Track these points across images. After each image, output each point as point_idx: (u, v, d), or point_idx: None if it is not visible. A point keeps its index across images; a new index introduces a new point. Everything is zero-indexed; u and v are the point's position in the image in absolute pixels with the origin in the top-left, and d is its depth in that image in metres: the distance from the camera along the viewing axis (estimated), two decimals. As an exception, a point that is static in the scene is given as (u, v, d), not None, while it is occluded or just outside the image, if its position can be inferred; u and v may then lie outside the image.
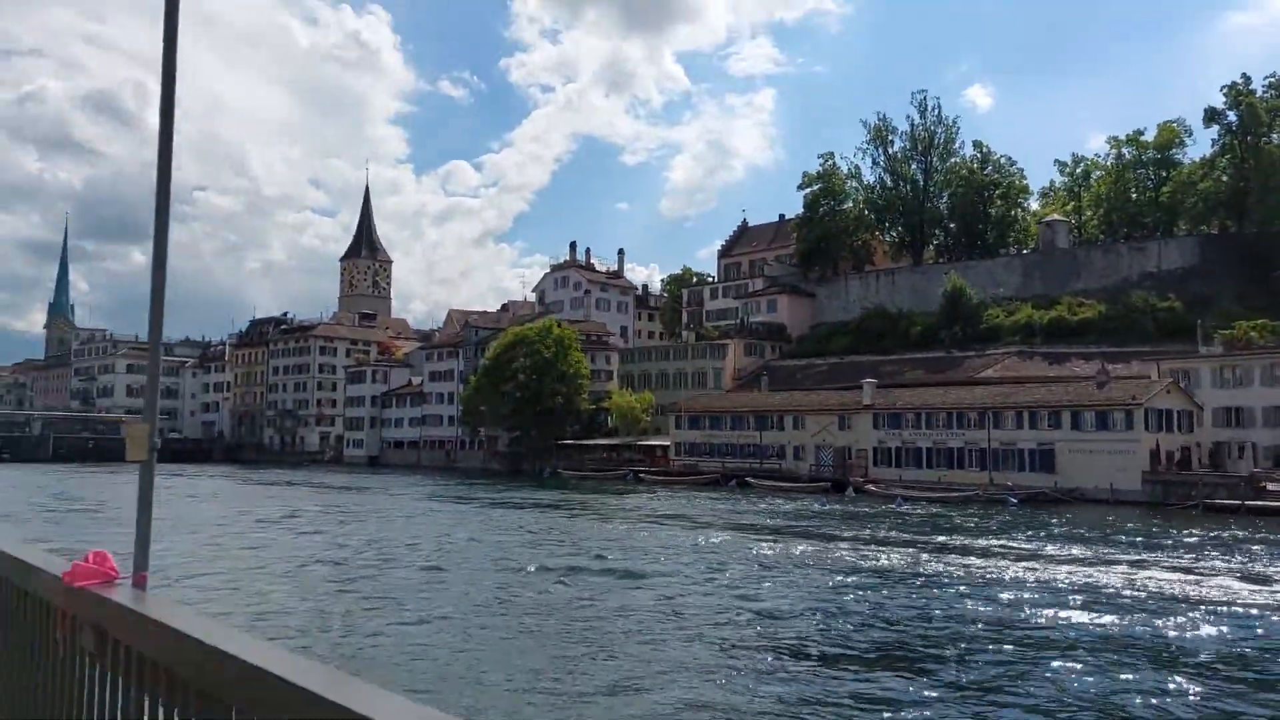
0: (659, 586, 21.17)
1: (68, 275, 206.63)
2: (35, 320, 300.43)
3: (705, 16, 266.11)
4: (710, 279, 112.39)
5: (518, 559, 25.68)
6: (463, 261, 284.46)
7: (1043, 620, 17.93)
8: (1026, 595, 20.68)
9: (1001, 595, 20.69)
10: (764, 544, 29.92)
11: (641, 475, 73.65)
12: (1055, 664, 14.38)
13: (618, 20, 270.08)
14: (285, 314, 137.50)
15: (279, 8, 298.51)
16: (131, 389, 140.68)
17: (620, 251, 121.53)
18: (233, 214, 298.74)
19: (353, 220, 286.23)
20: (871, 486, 58.30)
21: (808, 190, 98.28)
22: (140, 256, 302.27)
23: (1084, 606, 19.33)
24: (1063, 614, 18.47)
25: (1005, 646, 15.50)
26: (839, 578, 22.98)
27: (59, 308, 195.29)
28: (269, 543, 30.77)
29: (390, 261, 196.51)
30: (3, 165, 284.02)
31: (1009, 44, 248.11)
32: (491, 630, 16.41)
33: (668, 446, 78.96)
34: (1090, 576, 23.71)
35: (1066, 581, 22.81)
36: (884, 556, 27.19)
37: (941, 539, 32.88)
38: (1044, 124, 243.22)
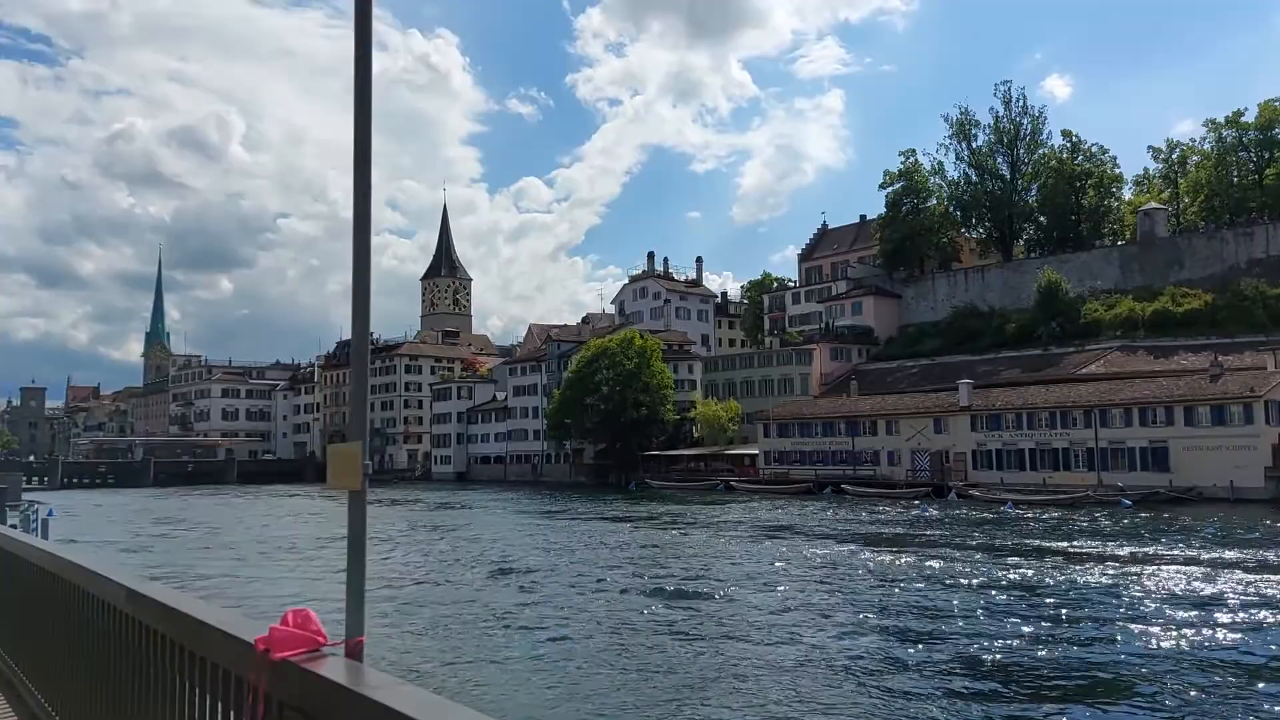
0: (779, 604, 20.32)
1: (163, 304, 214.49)
2: (131, 349, 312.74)
3: (770, 21, 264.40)
4: (791, 283, 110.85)
5: (627, 577, 25.07)
6: (537, 277, 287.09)
7: (1210, 637, 16.61)
8: (1187, 610, 19.29)
9: (1161, 609, 19.34)
10: (878, 555, 28.79)
11: (732, 485, 72.66)
12: (1246, 688, 13.17)
13: (683, 31, 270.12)
14: (371, 334, 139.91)
15: (350, 38, 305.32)
16: (226, 412, 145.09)
17: (699, 259, 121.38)
18: (313, 239, 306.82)
19: (430, 240, 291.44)
20: (974, 491, 56.35)
21: (889, 189, 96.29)
22: (228, 284, 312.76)
23: (1248, 617, 17.91)
24: (1231, 628, 17.11)
25: (1183, 671, 14.30)
26: (970, 593, 21.82)
27: (155, 335, 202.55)
28: (379, 562, 30.77)
29: (470, 279, 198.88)
30: (97, 201, 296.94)
31: (1084, 32, 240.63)
32: (611, 656, 15.80)
33: (755, 455, 77.86)
34: (1246, 583, 22.11)
35: (1219, 589, 21.30)
36: (1011, 569, 25.84)
37: (1063, 545, 31.32)
38: (1127, 112, 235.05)
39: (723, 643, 16.28)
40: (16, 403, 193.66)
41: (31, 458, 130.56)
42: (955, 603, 19.95)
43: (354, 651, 2.42)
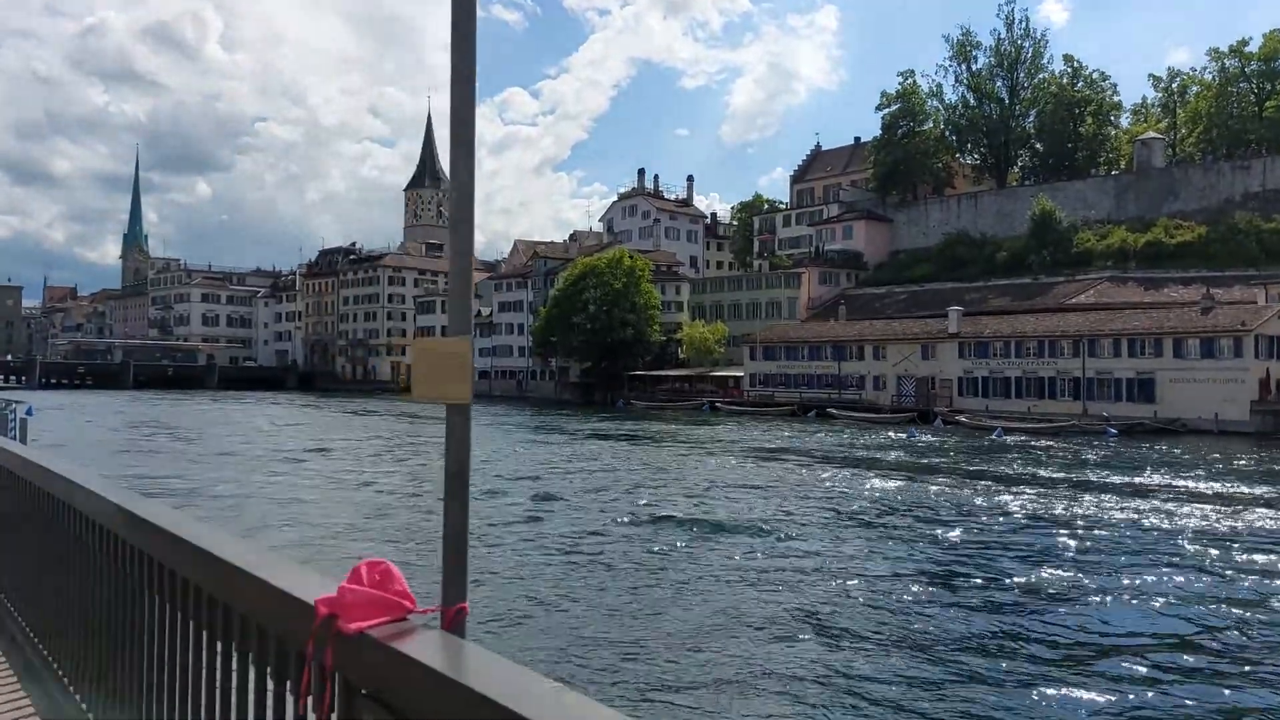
0: (785, 533, 20.17)
1: (140, 206, 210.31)
2: (108, 251, 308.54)
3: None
4: (782, 205, 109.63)
5: (623, 499, 24.87)
6: (521, 192, 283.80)
7: (1201, 568, 16.60)
8: (1177, 542, 19.29)
9: (1153, 540, 19.35)
10: (874, 480, 28.69)
11: (718, 406, 72.75)
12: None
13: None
14: (354, 244, 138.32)
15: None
16: (206, 317, 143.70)
17: (689, 178, 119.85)
18: (292, 145, 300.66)
19: (412, 150, 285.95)
20: (962, 418, 56.59)
21: (885, 111, 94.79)
22: (205, 188, 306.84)
23: (1242, 548, 17.92)
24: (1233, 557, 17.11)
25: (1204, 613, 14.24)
26: (970, 520, 21.80)
27: (133, 238, 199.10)
28: (356, 473, 30.53)
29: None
30: (70, 98, 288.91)
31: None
32: (603, 588, 15.56)
33: (741, 377, 77.86)
34: (1238, 517, 22.19)
35: (1211, 521, 21.35)
36: (1004, 494, 25.87)
37: (1054, 473, 31.41)
38: (1126, 40, 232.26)
39: (732, 582, 16.08)
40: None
41: (9, 357, 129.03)
42: (956, 533, 19.86)
43: (454, 624, 1.79)
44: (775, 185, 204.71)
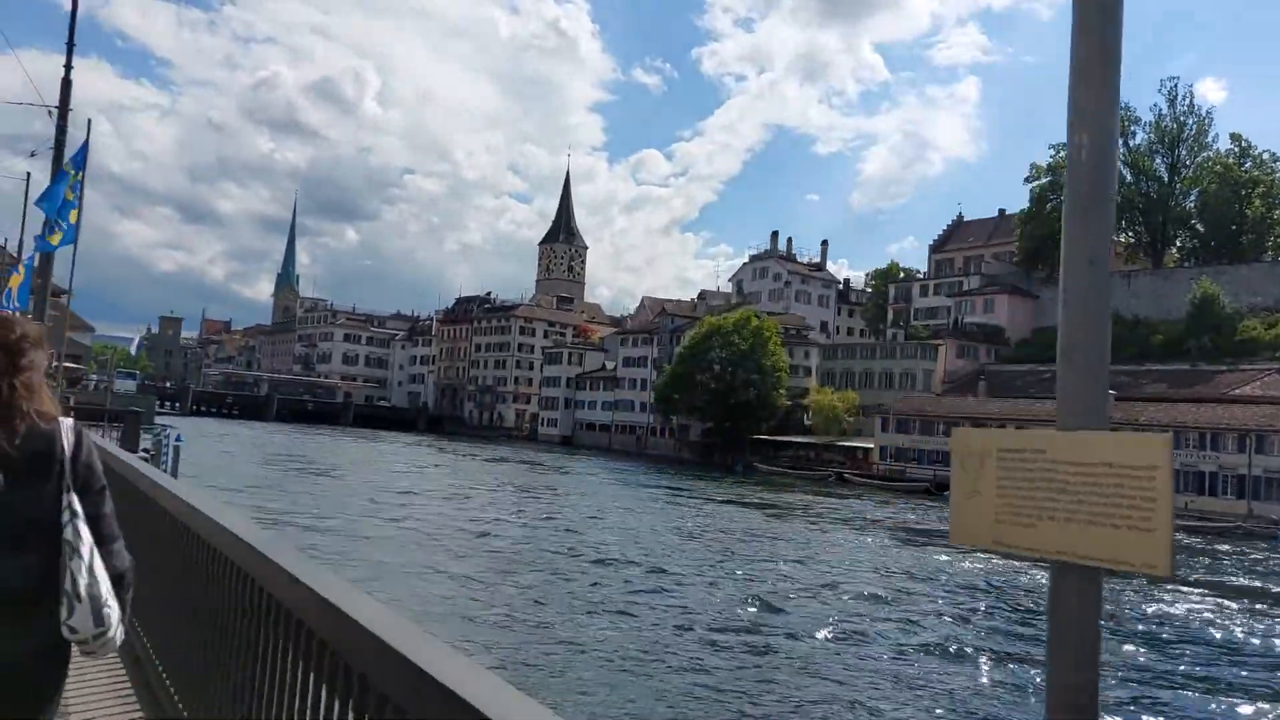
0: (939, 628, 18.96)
1: (295, 248, 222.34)
2: (262, 289, 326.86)
3: (908, 5, 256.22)
4: (919, 274, 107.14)
5: (758, 578, 23.95)
6: (649, 249, 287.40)
7: None
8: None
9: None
10: (1036, 576, 26.84)
11: (846, 478, 70.71)
12: None
13: (815, 9, 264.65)
14: (488, 293, 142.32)
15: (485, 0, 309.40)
16: (347, 356, 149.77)
17: (824, 242, 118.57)
18: (436, 197, 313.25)
19: (547, 206, 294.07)
20: (1112, 509, 53.16)
21: (1035, 184, 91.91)
22: (353, 234, 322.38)
23: None
24: None
25: None
26: (1146, 626, 20.08)
27: (286, 278, 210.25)
28: (482, 521, 30.57)
29: (586, 248, 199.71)
30: (239, 144, 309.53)
31: (1238, 33, 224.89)
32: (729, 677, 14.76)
33: (870, 449, 75.62)
34: None
35: None
36: (1178, 601, 23.82)
37: (1223, 579, 28.87)
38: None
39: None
40: (155, 330, 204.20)
41: (167, 383, 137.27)
42: (1140, 649, 18.27)
43: None
44: (905, 253, 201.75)
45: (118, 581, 2.50)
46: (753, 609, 18.72)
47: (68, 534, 2.42)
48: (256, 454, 54.71)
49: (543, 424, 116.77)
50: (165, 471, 29.10)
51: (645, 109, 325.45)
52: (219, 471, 38.12)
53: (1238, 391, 62.59)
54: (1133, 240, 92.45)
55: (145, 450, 29.68)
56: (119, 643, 2.48)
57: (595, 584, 20.37)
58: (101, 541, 2.50)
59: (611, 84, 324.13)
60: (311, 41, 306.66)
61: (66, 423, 2.52)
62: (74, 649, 2.41)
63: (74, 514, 2.44)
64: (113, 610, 2.41)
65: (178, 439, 43.00)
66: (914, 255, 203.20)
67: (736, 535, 31.60)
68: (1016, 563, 27.31)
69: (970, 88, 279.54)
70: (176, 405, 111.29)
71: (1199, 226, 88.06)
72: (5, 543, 2.36)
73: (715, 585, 21.22)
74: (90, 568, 2.41)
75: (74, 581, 2.37)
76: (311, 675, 2.24)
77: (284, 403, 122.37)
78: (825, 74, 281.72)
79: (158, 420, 71.29)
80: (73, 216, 14.03)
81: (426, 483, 44.16)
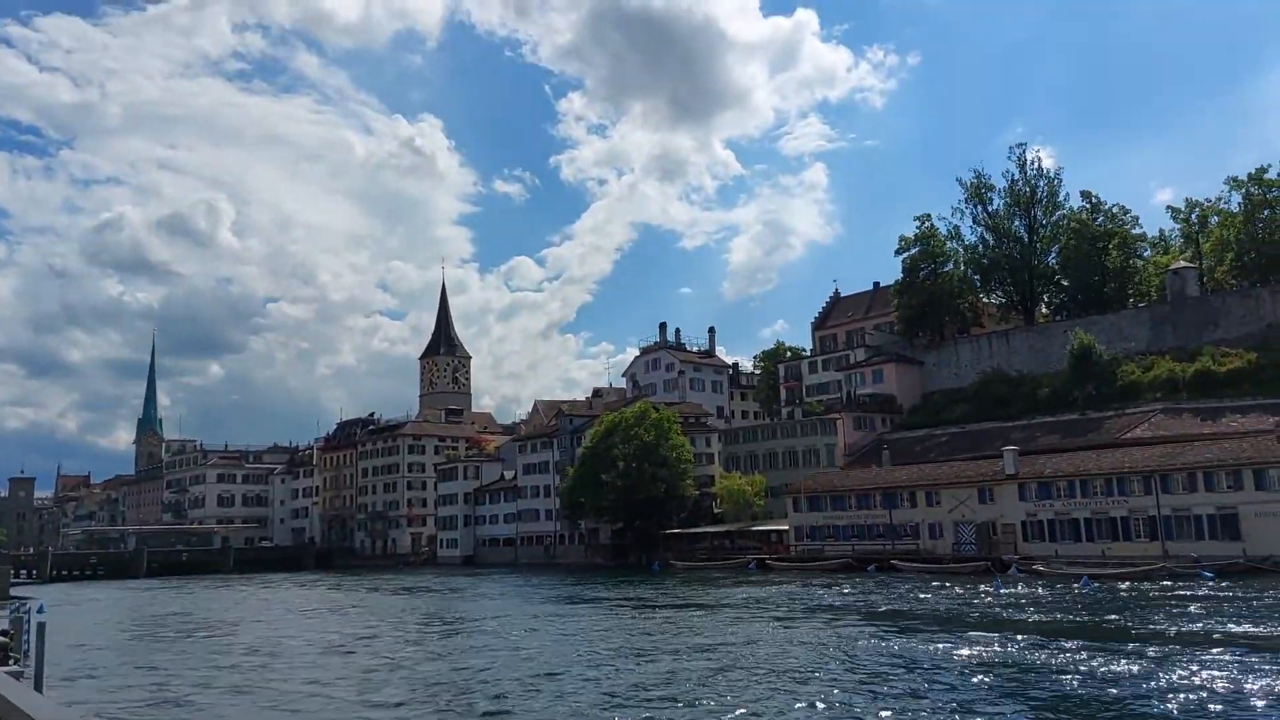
0: None
1: (155, 391, 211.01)
2: (121, 438, 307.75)
3: (751, 103, 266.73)
4: (805, 352, 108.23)
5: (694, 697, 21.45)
6: (529, 355, 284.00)
7: None
8: None
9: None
10: (1005, 647, 25.13)
11: (767, 564, 68.74)
12: None
13: (665, 113, 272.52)
14: (372, 414, 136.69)
15: (337, 123, 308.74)
16: (222, 498, 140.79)
17: (711, 330, 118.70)
18: (303, 322, 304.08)
19: (420, 321, 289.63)
20: (1039, 566, 52.70)
21: (905, 254, 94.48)
22: (217, 369, 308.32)
23: None
24: None
25: None
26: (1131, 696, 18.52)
27: (148, 422, 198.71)
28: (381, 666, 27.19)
29: (469, 357, 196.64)
30: (85, 290, 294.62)
31: (1060, 105, 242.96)
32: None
33: (784, 531, 74.19)
34: None
35: None
36: (1148, 658, 22.48)
37: (1175, 626, 27.93)
38: (1112, 182, 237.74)
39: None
40: (4, 494, 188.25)
41: (29, 549, 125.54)
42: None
43: None
44: (777, 337, 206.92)
45: None
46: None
47: None
48: (127, 620, 48.95)
49: (442, 545, 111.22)
50: (26, 651, 24.83)
51: (512, 217, 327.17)
52: (86, 651, 33.25)
53: (1129, 435, 64.14)
54: (1004, 300, 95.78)
55: (3, 633, 25.36)
56: None
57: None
58: None
59: (474, 196, 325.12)
60: (158, 177, 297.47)
61: None
62: None
63: None
64: None
65: (40, 610, 37.82)
66: (792, 335, 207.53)
67: (676, 649, 28.99)
68: (956, 639, 25.61)
69: (819, 173, 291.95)
70: (34, 573, 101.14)
71: (1064, 281, 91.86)
72: None
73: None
74: None
75: None
76: None
77: (155, 556, 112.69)
78: (683, 172, 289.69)
79: (13, 592, 63.95)
80: None
81: (316, 630, 39.96)
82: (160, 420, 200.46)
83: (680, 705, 19.08)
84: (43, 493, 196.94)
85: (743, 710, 18.19)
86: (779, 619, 35.52)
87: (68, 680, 24.96)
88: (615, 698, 20.17)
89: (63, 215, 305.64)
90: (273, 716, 19.92)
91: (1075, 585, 43.61)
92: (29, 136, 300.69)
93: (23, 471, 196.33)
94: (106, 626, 44.18)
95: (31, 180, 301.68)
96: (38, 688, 20.16)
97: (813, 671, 22.51)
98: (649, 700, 19.74)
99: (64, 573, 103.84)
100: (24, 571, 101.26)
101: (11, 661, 21.83)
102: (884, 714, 17.29)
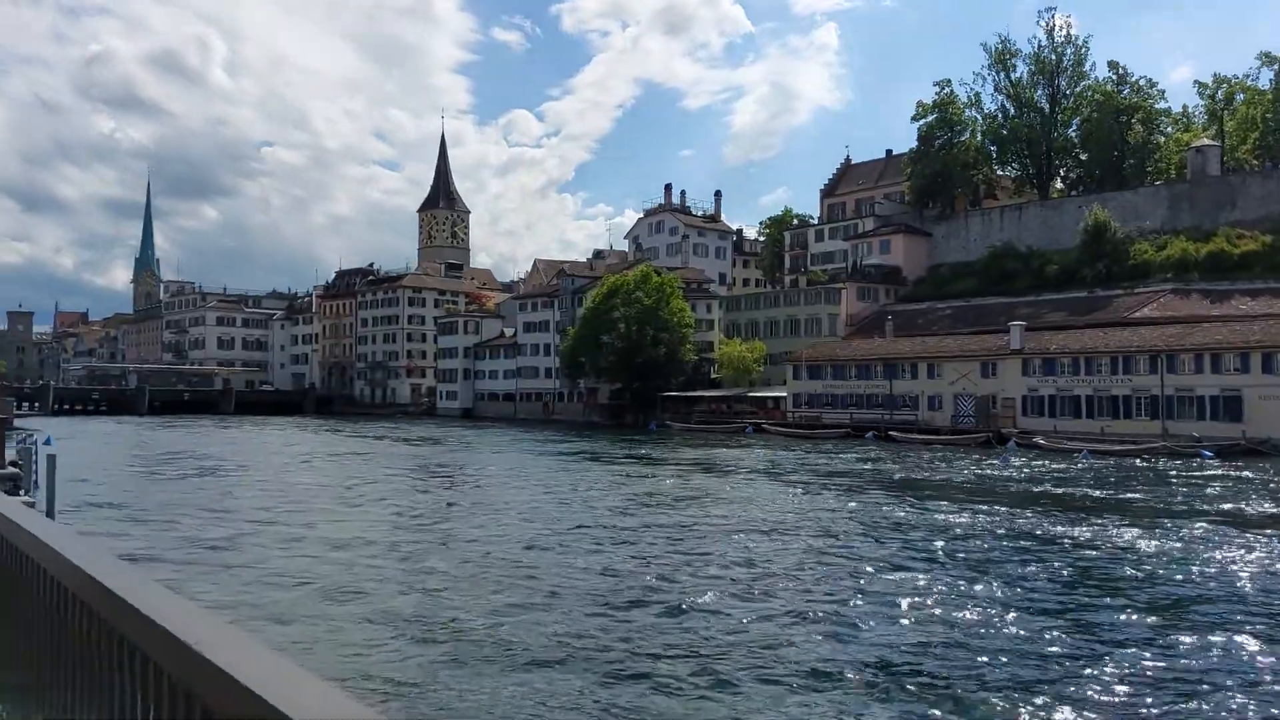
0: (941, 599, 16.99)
1: (152, 231, 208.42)
2: (117, 277, 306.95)
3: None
4: (812, 220, 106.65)
5: (721, 550, 21.62)
6: (527, 213, 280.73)
7: None
8: None
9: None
10: (1012, 520, 25.21)
11: (764, 428, 69.43)
12: None
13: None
14: (371, 265, 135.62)
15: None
16: (222, 341, 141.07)
17: (717, 194, 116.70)
18: (298, 169, 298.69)
19: (417, 172, 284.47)
20: (1040, 440, 53.23)
21: (922, 121, 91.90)
22: (213, 213, 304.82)
23: None
24: None
25: None
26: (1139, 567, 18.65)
27: (145, 262, 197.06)
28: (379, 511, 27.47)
29: (468, 212, 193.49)
30: (77, 125, 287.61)
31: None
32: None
33: (782, 398, 74.67)
34: None
35: None
36: (1177, 529, 22.65)
37: (1190, 504, 28.19)
38: (1134, 55, 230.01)
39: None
40: (4, 328, 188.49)
41: (30, 383, 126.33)
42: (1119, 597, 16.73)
43: None
44: (778, 205, 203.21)
45: None
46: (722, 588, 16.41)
47: None
48: (135, 456, 49.44)
49: (442, 397, 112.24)
50: (35, 483, 24.87)
51: (511, 68, 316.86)
52: (93, 485, 33.47)
53: (1137, 315, 63.81)
54: (1019, 173, 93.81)
55: (13, 464, 25.39)
56: None
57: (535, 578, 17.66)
58: None
59: (473, 44, 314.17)
60: (147, 9, 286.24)
61: None
62: None
63: None
64: None
65: (47, 442, 38.04)
66: (795, 203, 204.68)
67: (670, 499, 29.28)
68: (968, 512, 25.80)
69: (829, 34, 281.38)
70: (36, 405, 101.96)
71: (1082, 156, 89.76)
72: None
73: (647, 557, 18.84)
74: None
75: None
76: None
77: (156, 394, 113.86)
78: (688, 27, 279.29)
79: (18, 424, 64.44)
80: None
81: (336, 475, 40.42)
82: (158, 261, 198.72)
83: (709, 561, 19.24)
84: (41, 328, 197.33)
85: (782, 566, 18.35)
86: (791, 482, 35.52)
87: (76, 512, 25.01)
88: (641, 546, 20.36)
89: (51, 45, 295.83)
90: (289, 551, 20.05)
91: (1077, 459, 44.09)
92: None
93: (20, 306, 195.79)
94: (115, 460, 44.62)
95: (17, 6, 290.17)
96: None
97: (841, 534, 22.61)
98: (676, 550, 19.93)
99: (66, 407, 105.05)
100: (26, 404, 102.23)
101: (21, 494, 21.72)
102: (920, 579, 17.40)
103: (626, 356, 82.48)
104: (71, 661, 2.71)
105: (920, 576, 17.05)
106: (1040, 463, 43.03)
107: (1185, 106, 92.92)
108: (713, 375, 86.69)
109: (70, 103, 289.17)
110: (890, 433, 60.79)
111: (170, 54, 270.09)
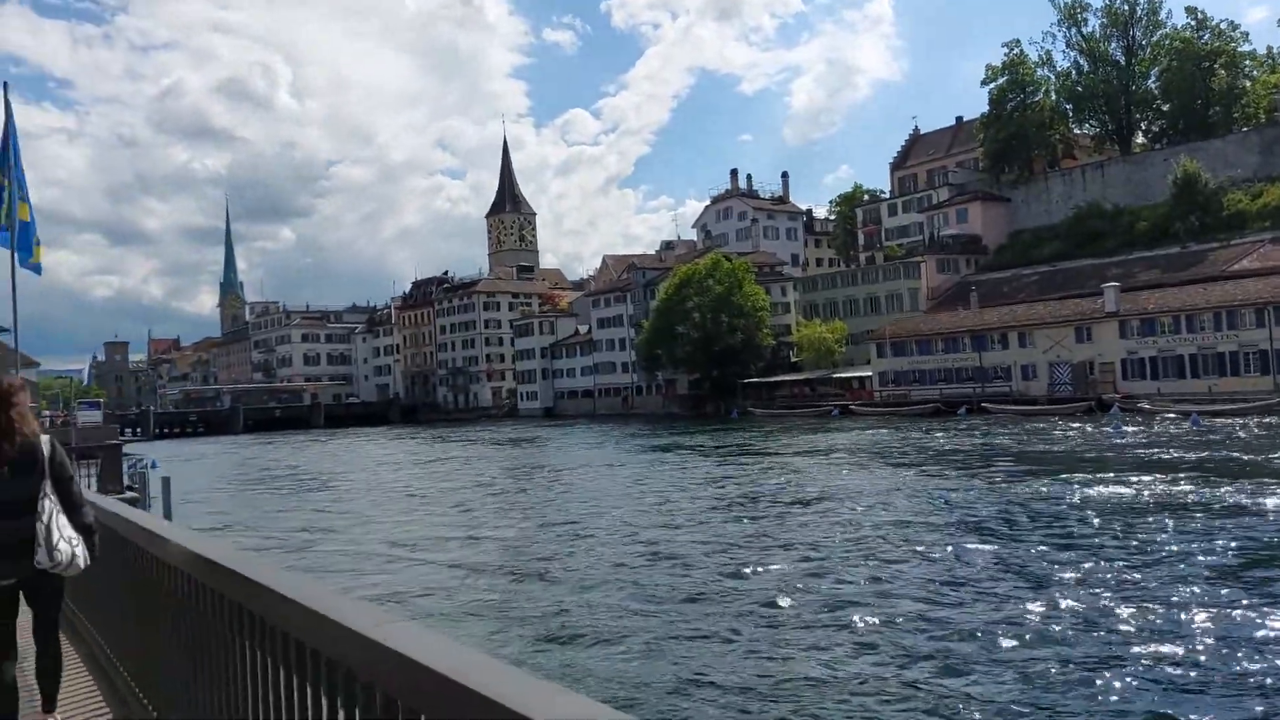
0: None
1: (234, 255, 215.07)
2: (203, 302, 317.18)
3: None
4: (882, 194, 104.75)
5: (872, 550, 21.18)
6: (589, 210, 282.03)
7: None
8: None
9: None
10: (1136, 489, 24.01)
11: (852, 409, 68.46)
12: None
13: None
14: (445, 273, 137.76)
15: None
16: (308, 357, 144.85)
17: (784, 175, 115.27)
18: (366, 184, 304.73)
19: (481, 179, 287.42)
20: (1144, 404, 51.44)
21: (992, 85, 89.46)
22: (289, 234, 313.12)
23: None
24: None
25: None
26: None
27: (230, 285, 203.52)
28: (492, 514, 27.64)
29: (534, 214, 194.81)
30: (155, 159, 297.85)
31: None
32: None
33: (866, 378, 73.57)
34: None
35: None
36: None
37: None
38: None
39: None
40: (102, 358, 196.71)
41: (132, 409, 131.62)
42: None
43: None
44: (842, 183, 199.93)
45: (85, 531, 4.08)
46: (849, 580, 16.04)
47: (41, 506, 3.94)
48: (239, 474, 50.93)
49: (522, 399, 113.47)
50: (150, 510, 25.77)
51: (565, 68, 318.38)
52: (205, 503, 34.57)
53: (1238, 266, 61.14)
54: (1097, 130, 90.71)
55: (131, 489, 26.32)
56: (81, 567, 3.99)
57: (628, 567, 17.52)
58: (73, 508, 4.07)
59: (526, 47, 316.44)
60: (213, 40, 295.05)
61: (45, 437, 4.09)
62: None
63: (45, 494, 3.98)
64: (64, 551, 3.91)
65: (153, 465, 39.37)
66: (862, 179, 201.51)
67: (793, 488, 28.87)
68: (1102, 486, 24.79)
69: (883, 5, 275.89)
70: (139, 431, 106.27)
71: (1163, 107, 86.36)
72: (11, 513, 3.88)
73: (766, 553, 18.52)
74: (48, 526, 3.91)
75: (38, 536, 3.88)
76: (281, 670, 2.30)
77: (250, 413, 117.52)
78: (739, 11, 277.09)
79: (125, 450, 66.98)
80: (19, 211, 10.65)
81: (426, 480, 41.03)
82: (241, 284, 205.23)
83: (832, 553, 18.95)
84: (136, 356, 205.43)
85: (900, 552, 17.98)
86: (904, 464, 33.76)
87: (199, 530, 25.75)
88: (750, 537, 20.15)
89: (126, 83, 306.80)
90: (403, 557, 20.33)
91: (1185, 422, 42.39)
92: (85, 3, 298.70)
93: (116, 336, 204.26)
94: (221, 478, 46.02)
95: (93, 49, 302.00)
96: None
97: (990, 519, 21.71)
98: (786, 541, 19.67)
99: (166, 430, 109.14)
100: (129, 430, 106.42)
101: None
102: (1086, 564, 16.84)
103: (703, 345, 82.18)
104: (218, 658, 2.93)
105: (1121, 563, 16.25)
106: (1156, 428, 41.42)
107: (1270, 47, 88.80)
108: (792, 359, 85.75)
109: (147, 136, 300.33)
110: (983, 405, 59.40)
111: (237, 81, 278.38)
